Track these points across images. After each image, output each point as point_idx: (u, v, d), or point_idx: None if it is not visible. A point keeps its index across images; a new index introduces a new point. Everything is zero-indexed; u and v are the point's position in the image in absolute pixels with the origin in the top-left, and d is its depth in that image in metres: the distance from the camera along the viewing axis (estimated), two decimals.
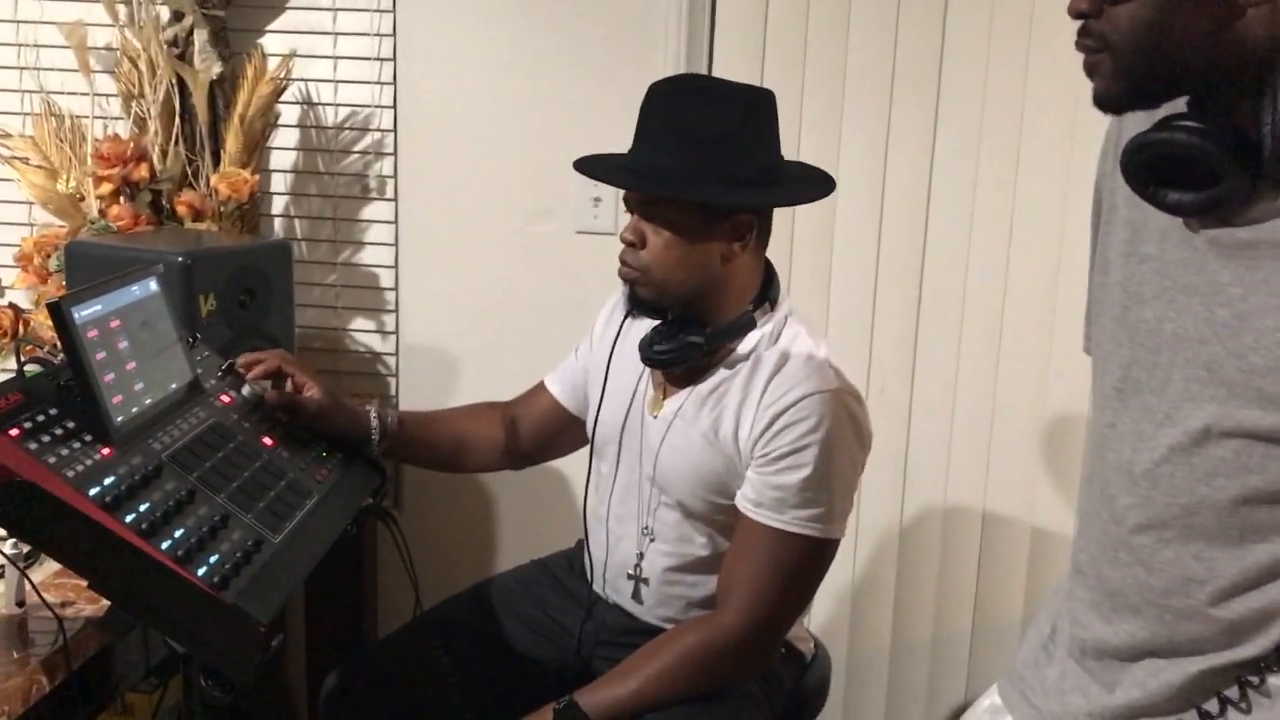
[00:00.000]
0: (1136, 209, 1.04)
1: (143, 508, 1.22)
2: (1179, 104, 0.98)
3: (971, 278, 2.31)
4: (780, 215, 2.23)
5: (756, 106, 1.54)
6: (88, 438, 1.26)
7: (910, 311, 2.34)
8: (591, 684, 1.56)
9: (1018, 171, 2.25)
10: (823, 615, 2.46)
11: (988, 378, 2.34)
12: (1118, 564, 1.05)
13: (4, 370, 2.29)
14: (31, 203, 2.37)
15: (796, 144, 2.25)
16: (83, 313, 1.28)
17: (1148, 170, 0.96)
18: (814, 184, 1.63)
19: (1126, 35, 0.94)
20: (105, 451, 1.26)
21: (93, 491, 1.19)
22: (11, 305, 2.20)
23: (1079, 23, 0.98)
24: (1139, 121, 1.04)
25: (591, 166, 1.59)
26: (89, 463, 1.23)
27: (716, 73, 2.29)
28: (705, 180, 1.49)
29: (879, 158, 2.28)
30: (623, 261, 1.57)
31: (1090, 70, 0.98)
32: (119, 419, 1.30)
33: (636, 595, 1.70)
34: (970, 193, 2.28)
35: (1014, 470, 2.37)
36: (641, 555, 1.68)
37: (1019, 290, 2.30)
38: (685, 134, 1.49)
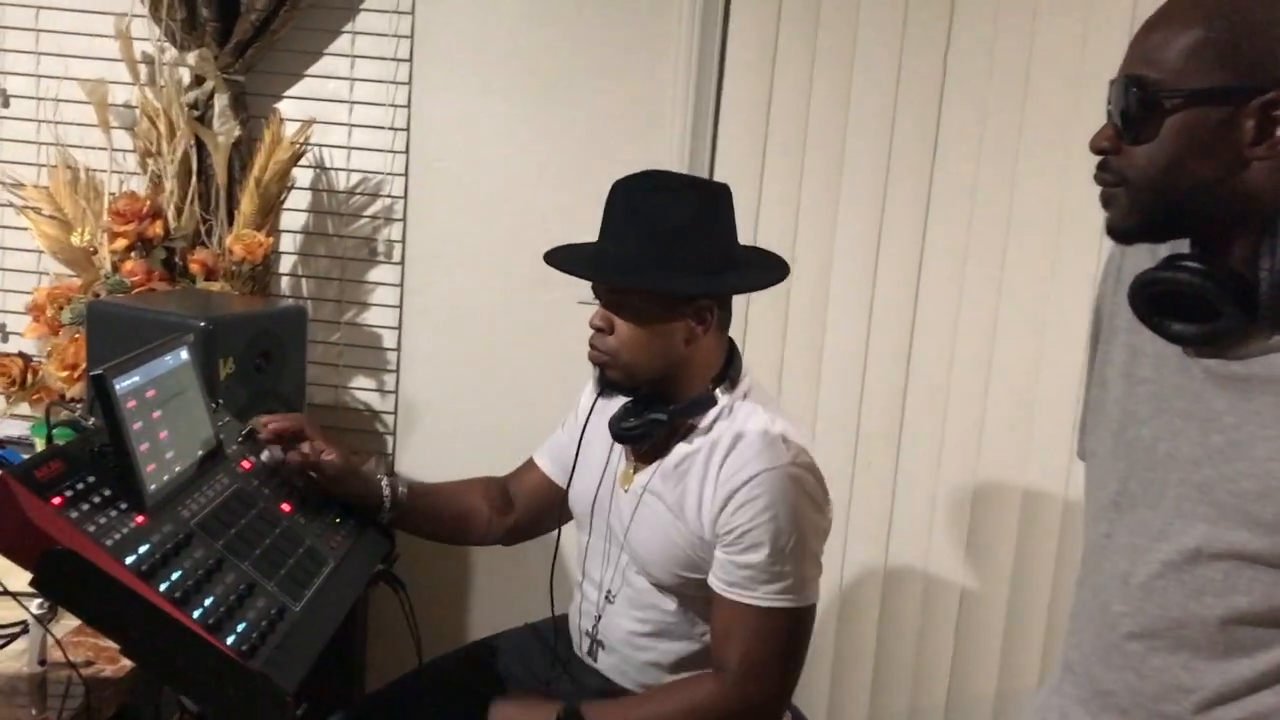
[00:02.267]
0: (1135, 333, 1.12)
1: (175, 576, 1.26)
2: (1181, 242, 1.07)
3: (957, 363, 2.40)
4: (777, 298, 2.33)
5: (713, 199, 1.64)
6: (123, 505, 1.30)
7: (898, 391, 2.43)
8: (600, 702, 1.63)
9: (1004, 264, 2.35)
10: (802, 683, 2.50)
11: (970, 457, 2.42)
12: (1110, 666, 1.12)
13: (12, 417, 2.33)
14: (41, 251, 2.41)
15: (794, 233, 2.35)
16: (123, 384, 1.33)
17: (1153, 303, 1.05)
18: (769, 270, 1.71)
19: (1142, 174, 1.03)
20: (139, 519, 1.30)
21: (129, 560, 1.23)
22: (20, 354, 2.24)
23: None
24: (1140, 253, 1.13)
25: (559, 258, 1.67)
26: (125, 531, 1.27)
27: (719, 159, 2.39)
28: (666, 270, 1.58)
29: (872, 247, 2.38)
30: (592, 346, 1.66)
31: (1106, 202, 1.07)
32: (152, 487, 1.34)
33: (592, 654, 1.76)
34: (958, 283, 2.38)
35: (992, 549, 2.45)
36: (599, 618, 1.75)
37: (1002, 375, 2.39)
38: (646, 227, 1.58)
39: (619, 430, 1.67)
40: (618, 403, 1.70)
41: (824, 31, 2.33)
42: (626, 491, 1.71)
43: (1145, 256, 1.10)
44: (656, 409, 1.63)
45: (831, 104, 2.35)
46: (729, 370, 1.68)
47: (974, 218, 2.35)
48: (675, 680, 1.66)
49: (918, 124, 2.33)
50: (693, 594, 1.65)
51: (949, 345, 2.39)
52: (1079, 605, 1.20)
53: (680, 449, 1.65)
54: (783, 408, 1.69)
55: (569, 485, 1.79)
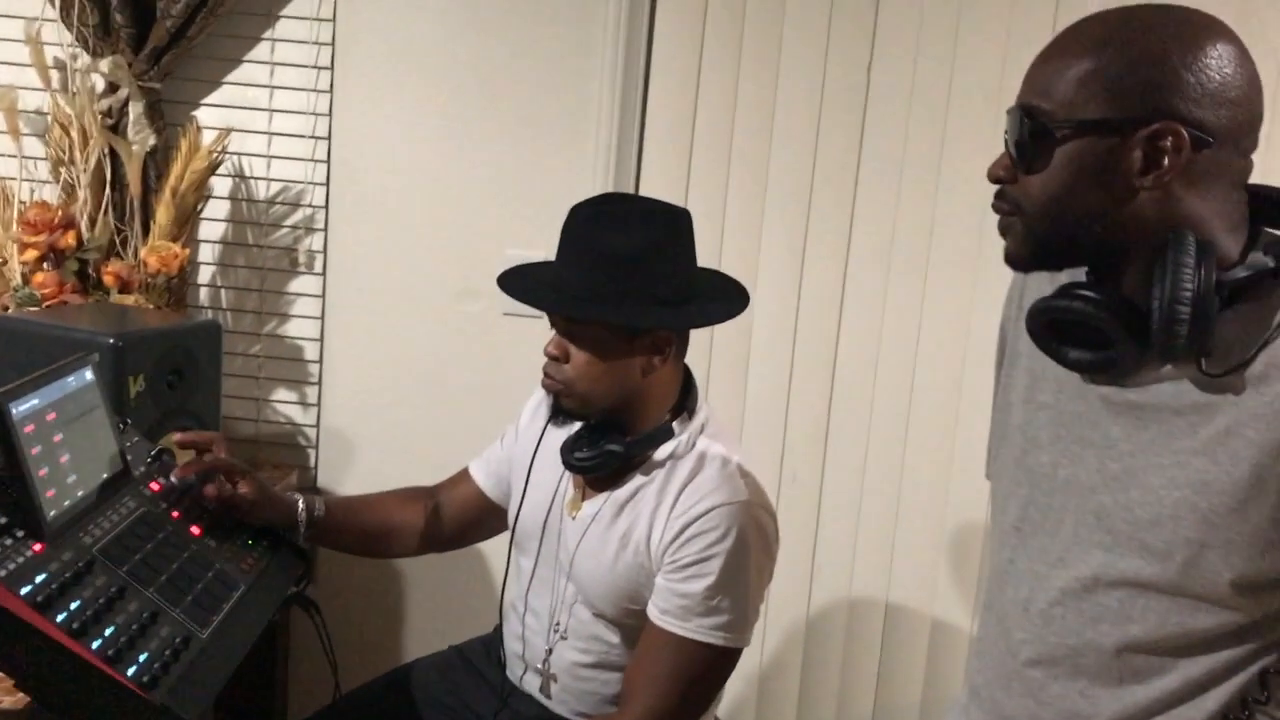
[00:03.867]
0: (1036, 358, 1.13)
1: (74, 606, 1.23)
2: (1079, 269, 1.09)
3: (880, 376, 2.42)
4: None
5: (673, 226, 1.60)
6: (19, 533, 1.26)
7: (822, 405, 2.44)
8: None
9: (926, 278, 2.38)
10: (731, 695, 2.51)
11: (894, 472, 2.45)
12: (1011, 692, 1.14)
13: None
14: None
15: (719, 245, 2.35)
16: (20, 408, 1.29)
17: (1049, 330, 1.06)
18: (730, 300, 1.69)
19: (1035, 203, 1.04)
20: (37, 548, 1.26)
21: (24, 591, 1.20)
22: None
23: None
24: (1040, 279, 1.14)
25: (515, 285, 1.63)
26: (20, 560, 1.23)
27: (645, 168, 2.38)
28: (625, 301, 1.54)
29: (796, 260, 2.39)
30: (546, 374, 1.62)
31: (1003, 231, 1.09)
32: (51, 513, 1.30)
33: (545, 690, 1.74)
34: (881, 297, 2.39)
35: (916, 561, 2.47)
36: (550, 651, 1.72)
37: (925, 390, 2.41)
38: (605, 257, 1.54)
39: (572, 460, 1.64)
40: (567, 427, 1.67)
41: (749, 43, 2.33)
42: (574, 519, 1.68)
43: (1045, 281, 1.12)
44: (612, 440, 1.60)
45: (756, 115, 2.35)
46: (686, 400, 1.66)
47: (897, 229, 2.37)
48: None
49: (842, 136, 2.35)
50: (637, 625, 1.63)
51: (873, 358, 2.42)
52: (983, 630, 1.21)
53: (634, 480, 1.63)
54: (738, 441, 1.67)
55: (517, 509, 1.76)
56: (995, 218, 1.11)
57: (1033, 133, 1.02)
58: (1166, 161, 0.98)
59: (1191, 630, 1.01)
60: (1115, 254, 1.04)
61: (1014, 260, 1.09)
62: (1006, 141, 1.05)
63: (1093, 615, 1.06)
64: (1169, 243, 0.98)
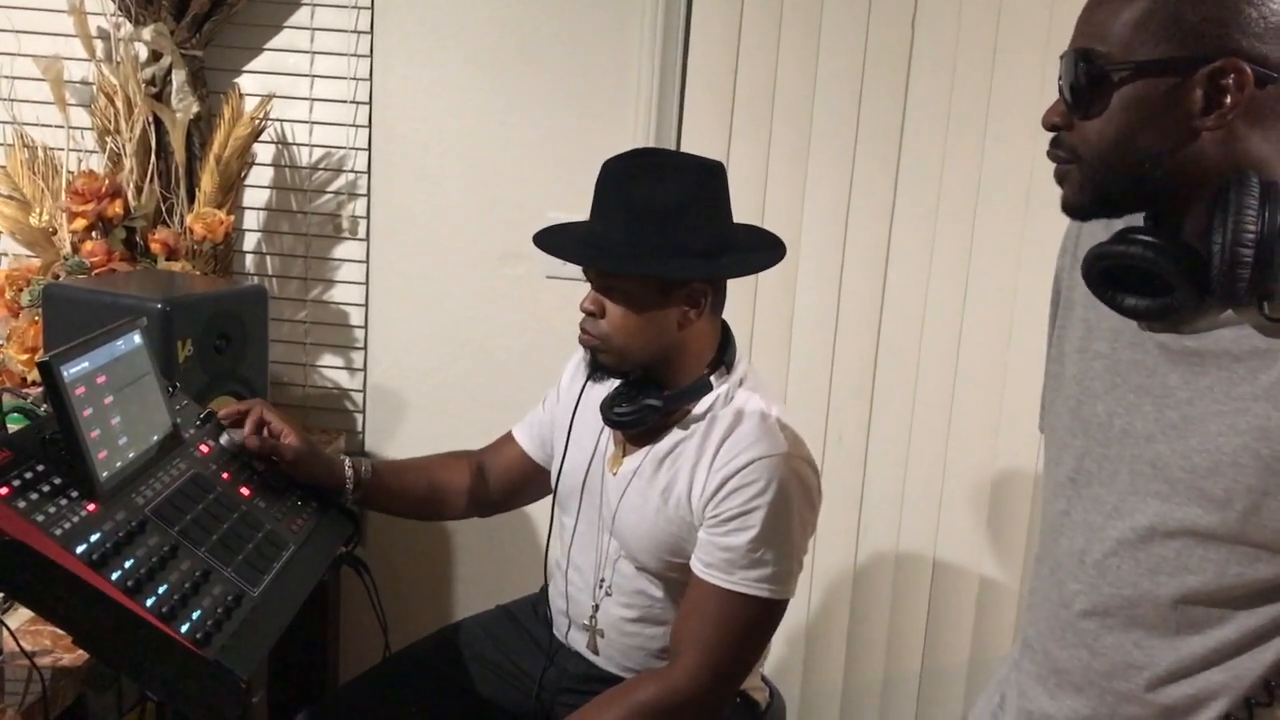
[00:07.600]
0: (1091, 307, 1.11)
1: (128, 564, 1.25)
2: (1136, 214, 1.06)
3: (927, 334, 2.39)
4: None
5: (707, 179, 1.59)
6: (74, 494, 1.28)
7: (868, 364, 2.42)
8: None
9: (973, 233, 2.34)
10: (777, 655, 2.52)
11: (940, 430, 2.42)
12: (1064, 644, 1.12)
13: None
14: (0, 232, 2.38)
15: (762, 203, 2.32)
16: (71, 370, 1.31)
17: (1106, 276, 1.04)
18: (764, 251, 1.67)
19: (1093, 149, 1.02)
20: (91, 508, 1.28)
21: (80, 549, 1.22)
22: None
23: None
24: (1096, 226, 1.12)
25: (550, 241, 1.64)
26: (75, 520, 1.25)
27: (686, 127, 2.36)
28: (658, 254, 1.54)
29: (840, 216, 2.36)
30: (583, 330, 1.63)
31: (1060, 179, 1.06)
32: (104, 474, 1.32)
33: (593, 646, 1.75)
34: (927, 252, 2.36)
35: (963, 519, 2.45)
36: (597, 608, 1.73)
37: (972, 346, 2.38)
38: (638, 210, 1.54)
39: (611, 416, 1.64)
40: (607, 384, 1.68)
41: None
42: (615, 475, 1.69)
43: (1101, 229, 1.09)
44: (651, 394, 1.61)
45: (799, 71, 2.32)
46: (724, 355, 1.66)
47: (943, 187, 2.33)
48: (614, 689, 1.63)
49: (886, 93, 2.31)
50: (680, 579, 1.64)
51: (918, 316, 2.39)
52: (1037, 582, 1.19)
53: (673, 435, 1.63)
54: (778, 395, 1.67)
55: (559, 468, 1.77)
56: (1044, 169, 1.08)
57: (1089, 77, 0.99)
58: (1229, 100, 0.95)
59: (1251, 580, 0.99)
60: (1176, 198, 1.01)
61: (1072, 208, 1.06)
62: (1061, 88, 1.02)
63: (1149, 566, 1.04)
64: (1231, 184, 0.95)
